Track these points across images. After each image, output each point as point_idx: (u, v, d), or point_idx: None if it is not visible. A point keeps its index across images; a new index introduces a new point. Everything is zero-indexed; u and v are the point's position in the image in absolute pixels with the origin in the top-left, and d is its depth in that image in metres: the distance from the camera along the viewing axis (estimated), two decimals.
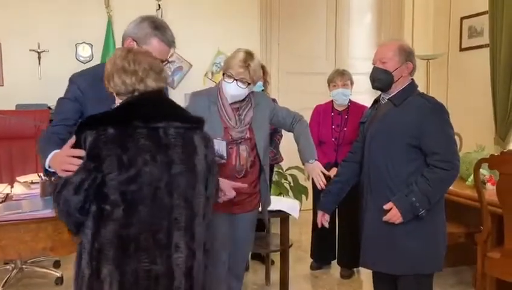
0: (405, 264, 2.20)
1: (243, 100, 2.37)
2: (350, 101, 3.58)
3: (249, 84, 2.30)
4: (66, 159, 1.58)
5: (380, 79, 2.24)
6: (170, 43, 2.00)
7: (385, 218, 2.16)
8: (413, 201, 2.11)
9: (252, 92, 2.42)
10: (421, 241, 2.18)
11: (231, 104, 2.36)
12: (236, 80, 2.28)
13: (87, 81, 2.00)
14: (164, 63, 2.01)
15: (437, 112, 2.17)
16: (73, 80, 2.04)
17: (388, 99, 2.28)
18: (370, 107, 2.45)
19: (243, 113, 2.37)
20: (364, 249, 2.32)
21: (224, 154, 2.29)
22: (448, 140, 2.16)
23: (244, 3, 5.05)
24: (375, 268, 2.37)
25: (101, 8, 4.51)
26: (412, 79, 2.30)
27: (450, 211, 3.16)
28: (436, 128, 2.14)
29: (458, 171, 2.18)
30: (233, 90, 2.30)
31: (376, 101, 2.39)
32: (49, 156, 1.79)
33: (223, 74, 2.35)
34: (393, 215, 2.15)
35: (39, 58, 4.48)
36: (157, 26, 1.98)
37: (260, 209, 2.54)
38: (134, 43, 1.95)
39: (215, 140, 2.25)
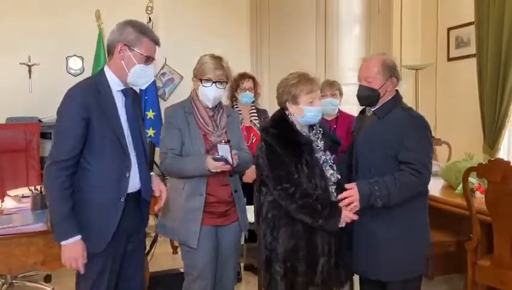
0: (392, 271, 2.26)
1: (215, 107, 2.43)
2: (339, 110, 3.63)
3: (226, 83, 2.39)
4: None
5: (367, 97, 2.32)
6: (157, 41, 2.09)
7: (340, 196, 2.16)
8: (375, 190, 2.14)
9: (220, 102, 2.48)
10: (406, 247, 2.25)
11: (206, 111, 2.40)
12: (214, 82, 2.33)
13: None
14: (153, 62, 2.09)
15: (417, 126, 2.25)
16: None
17: (373, 112, 2.35)
18: (357, 117, 2.52)
19: (218, 118, 2.43)
20: (354, 256, 2.36)
21: (230, 159, 2.26)
22: (424, 154, 2.22)
23: (235, 16, 5.11)
24: (365, 275, 2.40)
25: (91, 21, 4.53)
26: (397, 90, 2.36)
27: (440, 219, 3.21)
28: (414, 142, 2.20)
29: (426, 183, 2.24)
30: (214, 92, 2.35)
31: (363, 112, 2.45)
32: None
33: (200, 80, 2.35)
34: (351, 194, 2.14)
35: (30, 71, 4.49)
36: (143, 28, 2.07)
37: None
38: (126, 47, 2.01)
39: (218, 145, 2.27)
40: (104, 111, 1.98)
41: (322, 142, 2.28)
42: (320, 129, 2.31)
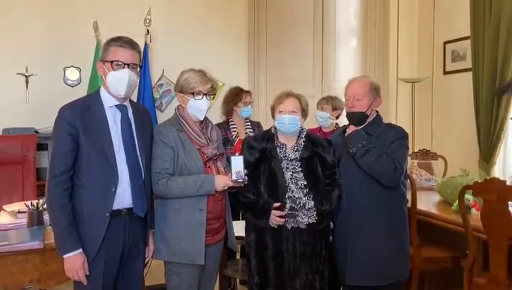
0: (390, 275, 2.52)
1: (202, 120, 2.42)
2: (336, 124, 3.82)
3: (214, 95, 2.41)
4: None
5: (359, 120, 2.54)
6: (126, 44, 2.09)
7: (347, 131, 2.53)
8: (363, 145, 2.43)
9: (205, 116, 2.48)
10: (399, 250, 2.52)
11: (196, 125, 2.39)
12: (205, 94, 2.34)
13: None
14: (125, 67, 2.07)
15: (402, 139, 2.53)
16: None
17: (363, 130, 2.54)
18: (339, 135, 2.70)
19: (208, 132, 2.43)
20: (350, 265, 2.50)
21: (243, 173, 2.29)
22: (402, 159, 2.48)
23: (232, 28, 5.12)
24: (365, 283, 2.51)
25: (89, 32, 4.53)
26: (376, 110, 2.63)
27: (436, 235, 3.22)
28: (399, 148, 2.49)
29: (394, 177, 2.44)
30: (205, 104, 2.35)
31: (344, 130, 2.63)
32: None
33: (192, 94, 2.34)
34: (351, 129, 2.52)
35: (27, 81, 4.47)
36: (112, 38, 2.12)
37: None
38: (101, 62, 2.10)
39: (232, 157, 2.30)
40: (92, 126, 2.03)
41: (297, 153, 2.45)
42: (302, 142, 2.49)
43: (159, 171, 2.27)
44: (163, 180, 2.25)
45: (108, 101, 2.11)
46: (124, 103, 2.16)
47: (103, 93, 2.13)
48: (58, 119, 2.03)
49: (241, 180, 2.28)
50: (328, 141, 2.60)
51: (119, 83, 2.07)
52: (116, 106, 2.12)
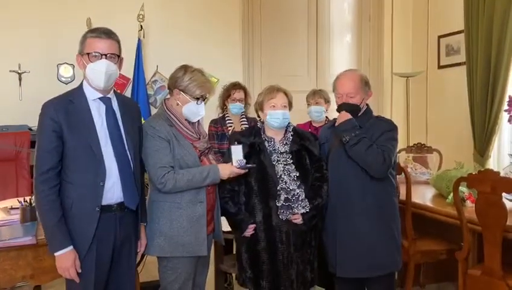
0: (382, 266, 2.50)
1: None
2: (327, 118, 3.78)
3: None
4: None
5: (352, 112, 2.52)
6: (102, 34, 2.05)
7: (339, 116, 2.52)
8: (355, 131, 2.42)
9: None
10: (391, 242, 2.52)
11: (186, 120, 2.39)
12: (198, 98, 2.34)
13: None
14: (115, 57, 2.06)
15: (391, 131, 2.54)
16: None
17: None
18: (329, 128, 2.69)
19: (195, 126, 2.44)
20: (343, 258, 2.50)
21: (244, 161, 2.33)
22: (391, 152, 2.48)
23: (226, 23, 5.11)
24: (356, 275, 2.52)
25: (82, 29, 4.41)
26: (366, 103, 2.64)
27: (431, 228, 3.23)
28: (388, 139, 2.50)
29: (382, 171, 2.46)
30: (203, 109, 2.37)
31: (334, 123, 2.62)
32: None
33: (196, 98, 2.32)
34: (346, 116, 2.49)
35: (20, 79, 4.45)
36: (89, 30, 2.10)
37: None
38: (79, 55, 2.07)
39: (232, 147, 2.34)
40: (76, 121, 2.00)
41: (287, 146, 2.47)
42: (290, 136, 2.50)
43: (163, 165, 2.23)
44: (170, 174, 2.22)
45: (91, 94, 2.08)
46: (108, 95, 2.12)
47: (86, 86, 2.09)
48: (42, 116, 2.00)
49: (247, 166, 2.33)
50: (313, 135, 2.64)
51: (97, 74, 2.03)
52: (100, 98, 2.09)
